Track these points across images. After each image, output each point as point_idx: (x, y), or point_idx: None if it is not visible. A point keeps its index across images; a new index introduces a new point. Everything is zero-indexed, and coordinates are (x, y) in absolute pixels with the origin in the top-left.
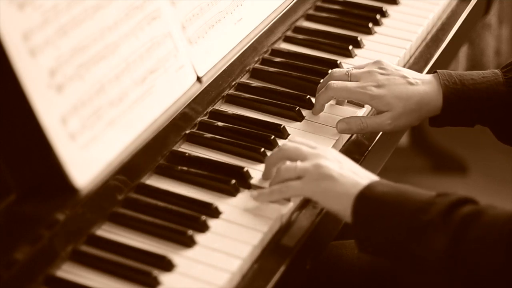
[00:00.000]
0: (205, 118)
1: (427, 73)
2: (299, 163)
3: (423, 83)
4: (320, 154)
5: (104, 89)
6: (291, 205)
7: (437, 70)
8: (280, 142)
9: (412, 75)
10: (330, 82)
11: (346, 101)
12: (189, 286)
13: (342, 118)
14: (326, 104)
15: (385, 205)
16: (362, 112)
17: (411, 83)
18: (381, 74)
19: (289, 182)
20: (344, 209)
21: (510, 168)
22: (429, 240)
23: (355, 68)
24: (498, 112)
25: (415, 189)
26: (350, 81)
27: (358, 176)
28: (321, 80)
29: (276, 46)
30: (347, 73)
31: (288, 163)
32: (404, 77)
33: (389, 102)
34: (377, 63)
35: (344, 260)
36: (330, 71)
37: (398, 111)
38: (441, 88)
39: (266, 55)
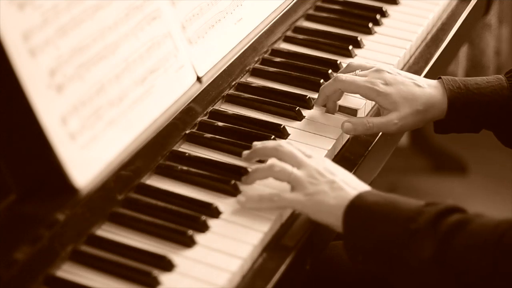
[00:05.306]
0: (205, 118)
1: (427, 74)
2: (295, 171)
3: (429, 87)
4: (313, 165)
5: (104, 89)
6: None
7: (441, 76)
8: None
9: (419, 78)
10: (337, 74)
11: (337, 109)
12: (189, 286)
13: (348, 119)
14: (324, 108)
15: (374, 214)
16: (360, 112)
17: (418, 85)
18: (389, 73)
19: (281, 194)
20: (336, 220)
21: (510, 168)
22: (417, 248)
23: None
24: (502, 116)
25: (404, 198)
26: None
27: (350, 186)
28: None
29: (276, 46)
30: (353, 75)
31: (283, 164)
32: (411, 79)
33: (396, 101)
34: (382, 68)
35: (344, 260)
36: (335, 74)
37: (405, 111)
38: (445, 92)
39: (266, 55)
